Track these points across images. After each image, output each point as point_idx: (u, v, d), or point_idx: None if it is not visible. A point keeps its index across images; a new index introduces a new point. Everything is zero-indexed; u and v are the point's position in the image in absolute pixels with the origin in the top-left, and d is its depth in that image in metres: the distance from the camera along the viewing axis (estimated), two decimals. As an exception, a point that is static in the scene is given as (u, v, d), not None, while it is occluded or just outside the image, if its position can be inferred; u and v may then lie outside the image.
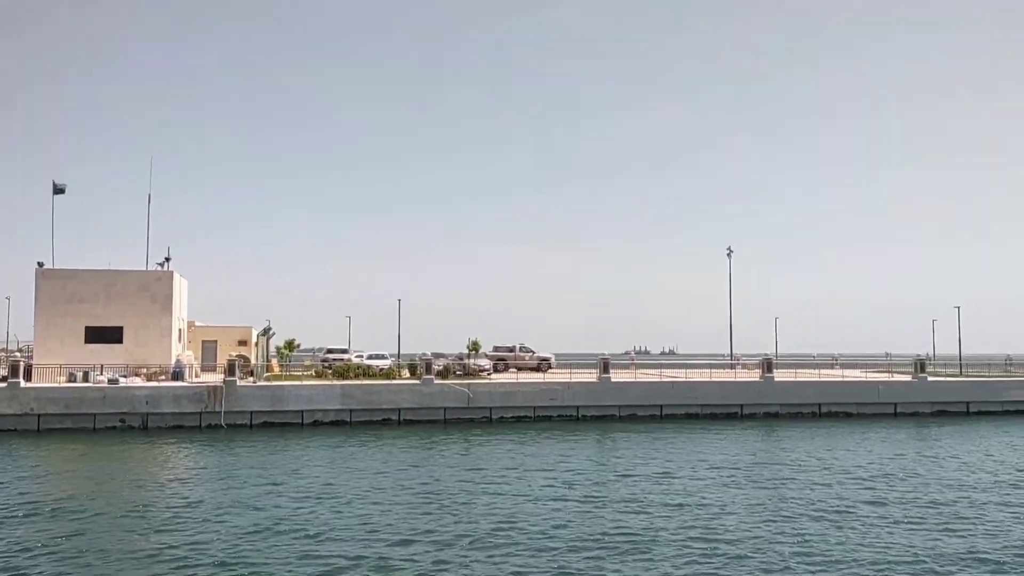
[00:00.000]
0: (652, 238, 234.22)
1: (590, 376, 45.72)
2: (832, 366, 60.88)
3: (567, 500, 21.76)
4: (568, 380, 44.36)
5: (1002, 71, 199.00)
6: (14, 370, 37.76)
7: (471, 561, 15.70)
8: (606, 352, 45.61)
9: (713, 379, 47.42)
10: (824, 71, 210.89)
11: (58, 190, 47.75)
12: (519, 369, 51.32)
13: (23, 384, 37.41)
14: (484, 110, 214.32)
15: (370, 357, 52.48)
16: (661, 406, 43.80)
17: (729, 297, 68.55)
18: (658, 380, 46.59)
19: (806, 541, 17.36)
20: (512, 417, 41.66)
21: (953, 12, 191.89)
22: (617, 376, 46.43)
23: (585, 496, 22.32)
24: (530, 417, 41.85)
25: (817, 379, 48.99)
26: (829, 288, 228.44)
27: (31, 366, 40.68)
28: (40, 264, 45.81)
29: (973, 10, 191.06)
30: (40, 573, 14.92)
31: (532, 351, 54.27)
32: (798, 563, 15.66)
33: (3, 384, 37.49)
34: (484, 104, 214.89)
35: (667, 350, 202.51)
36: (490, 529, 18.27)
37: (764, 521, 19.25)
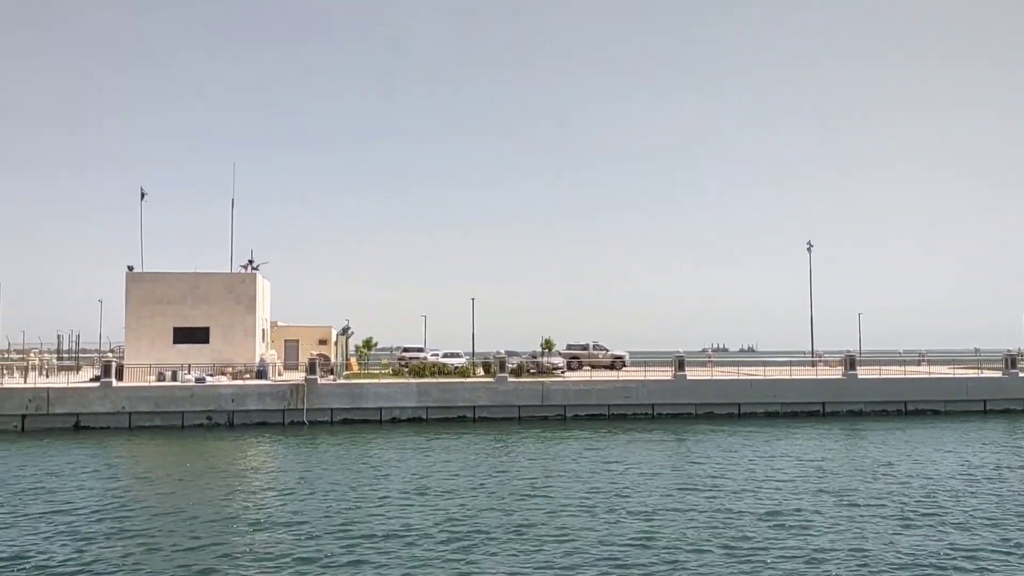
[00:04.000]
0: (730, 233, 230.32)
1: (665, 374, 45.30)
2: (919, 363, 58.94)
3: (647, 496, 21.66)
4: (643, 378, 44.04)
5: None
6: (107, 370, 39.37)
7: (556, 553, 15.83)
8: (681, 350, 45.12)
9: (793, 377, 46.46)
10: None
11: (144, 195, 49.73)
12: (593, 367, 51.16)
13: (115, 383, 38.94)
14: (549, 121, 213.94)
15: (445, 356, 53.04)
16: (739, 404, 43.13)
17: (810, 293, 66.98)
18: (736, 378, 45.87)
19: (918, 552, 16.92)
20: (586, 415, 41.59)
21: None
22: (693, 374, 45.89)
23: (668, 496, 22.17)
24: (604, 415, 41.70)
25: (902, 376, 47.53)
26: (913, 283, 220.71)
27: (122, 366, 42.28)
28: (130, 268, 47.66)
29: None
30: (130, 566, 15.55)
31: (606, 349, 54.05)
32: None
33: (96, 383, 39.18)
34: (550, 114, 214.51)
35: (746, 348, 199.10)
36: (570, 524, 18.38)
37: (864, 520, 18.86)
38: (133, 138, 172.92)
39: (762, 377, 45.99)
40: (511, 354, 47.10)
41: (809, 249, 66.53)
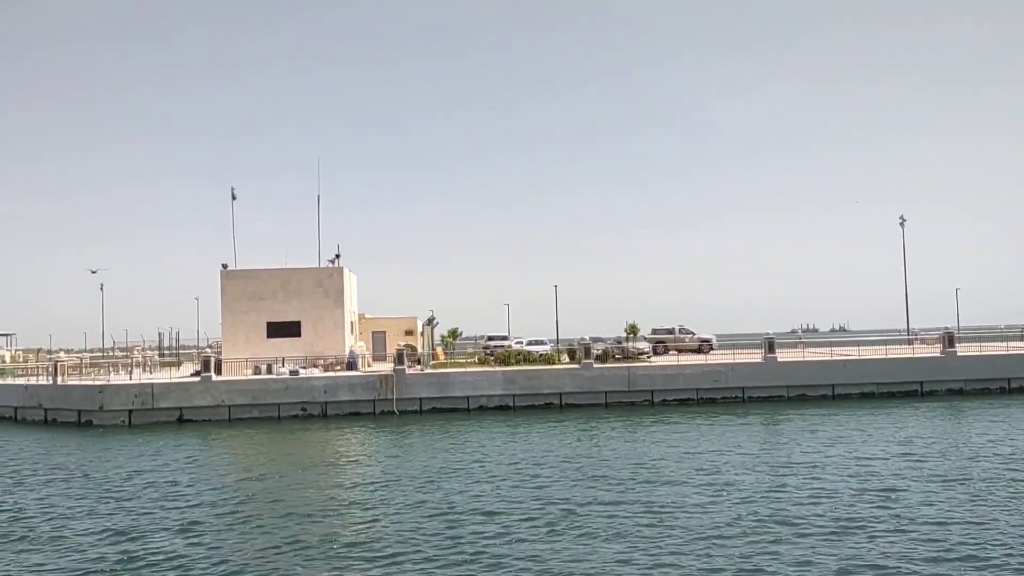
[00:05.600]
0: (817, 210, 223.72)
1: (755, 357, 44.50)
2: (1022, 338, 56.41)
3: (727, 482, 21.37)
4: (732, 361, 43.35)
5: None
6: (206, 365, 40.87)
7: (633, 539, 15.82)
8: (770, 331, 44.27)
9: (889, 356, 45.01)
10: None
11: (235, 196, 51.36)
12: (679, 351, 50.66)
13: (214, 378, 40.45)
14: (622, 96, 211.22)
15: (530, 343, 53.26)
16: (833, 386, 42.10)
17: (904, 269, 64.71)
18: (828, 359, 44.72)
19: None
20: (674, 400, 41.22)
21: None
22: (784, 356, 44.94)
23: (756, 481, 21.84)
24: (693, 399, 41.26)
25: (1005, 352, 45.53)
26: (1011, 257, 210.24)
27: (220, 361, 43.85)
28: (224, 266, 49.31)
29: None
30: (245, 556, 16.23)
31: (692, 333, 53.43)
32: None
33: (197, 378, 40.72)
34: (621, 91, 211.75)
35: (837, 327, 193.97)
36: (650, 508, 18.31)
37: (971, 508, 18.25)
38: (225, 142, 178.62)
39: (856, 357, 44.74)
40: (595, 340, 47.00)
41: (902, 224, 64.34)
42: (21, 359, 66.59)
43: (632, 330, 50.47)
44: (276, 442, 32.46)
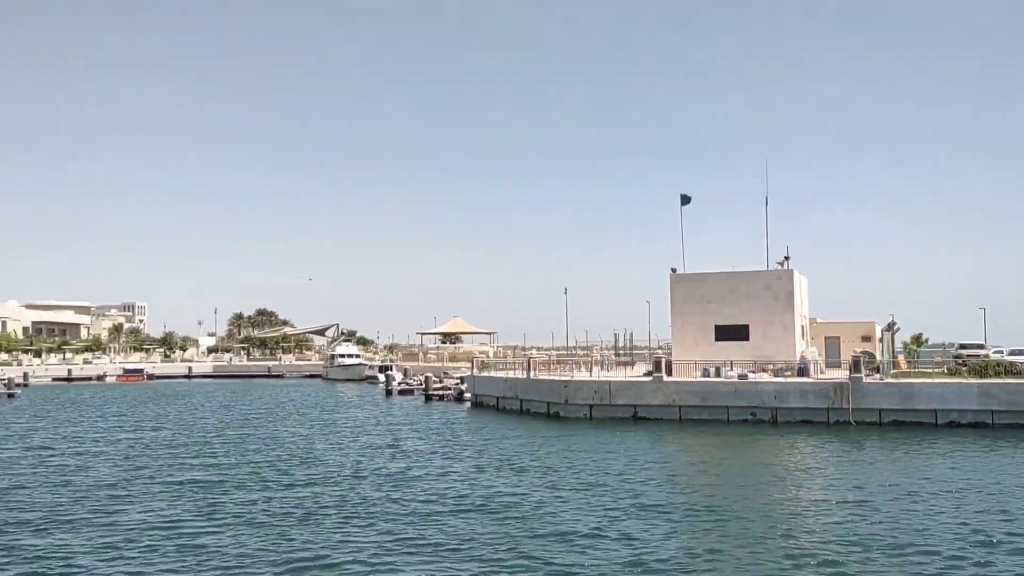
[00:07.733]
0: None
1: None
2: None
3: None
4: None
5: None
6: (657, 365, 42.66)
7: None
8: None
9: None
10: None
11: (685, 201, 52.53)
12: None
13: (665, 378, 41.97)
14: None
15: (1012, 353, 46.70)
16: None
17: None
18: None
19: None
20: None
21: None
22: None
23: None
24: None
25: None
26: None
27: (670, 362, 45.37)
28: (673, 270, 50.84)
29: None
30: (707, 551, 16.64)
31: None
32: None
33: (649, 378, 42.65)
34: None
35: None
36: None
37: None
38: (677, 146, 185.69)
39: None
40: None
41: None
42: (501, 354, 76.12)
43: None
44: (730, 445, 32.67)
